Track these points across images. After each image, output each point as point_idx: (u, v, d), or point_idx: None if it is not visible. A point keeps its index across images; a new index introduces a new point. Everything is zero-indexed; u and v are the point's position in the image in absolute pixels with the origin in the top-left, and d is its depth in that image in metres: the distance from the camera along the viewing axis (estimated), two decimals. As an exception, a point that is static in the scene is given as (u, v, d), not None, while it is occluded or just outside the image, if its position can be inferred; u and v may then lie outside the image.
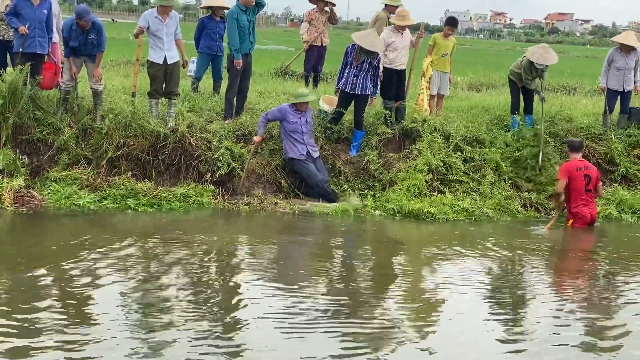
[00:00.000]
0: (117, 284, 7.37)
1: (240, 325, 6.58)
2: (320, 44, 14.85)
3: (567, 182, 10.81)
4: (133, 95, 11.79)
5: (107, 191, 10.47)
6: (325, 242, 9.72)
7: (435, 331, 6.81)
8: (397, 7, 13.37)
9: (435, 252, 9.25)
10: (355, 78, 11.53)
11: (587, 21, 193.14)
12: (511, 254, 9.27)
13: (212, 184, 11.04)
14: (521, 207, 11.43)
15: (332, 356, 6.06)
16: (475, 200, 11.20)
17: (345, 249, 9.58)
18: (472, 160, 11.90)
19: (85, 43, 10.88)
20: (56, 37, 11.72)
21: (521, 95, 13.03)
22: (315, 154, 11.32)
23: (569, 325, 7.08)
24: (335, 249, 9.47)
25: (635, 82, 13.36)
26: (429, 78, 12.91)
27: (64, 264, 7.82)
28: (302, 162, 11.20)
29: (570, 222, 10.86)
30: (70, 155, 10.97)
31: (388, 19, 13.79)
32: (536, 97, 12.86)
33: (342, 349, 6.24)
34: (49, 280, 7.37)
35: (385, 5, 13.94)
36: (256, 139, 11.37)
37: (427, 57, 13.02)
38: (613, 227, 11.23)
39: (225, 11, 13.10)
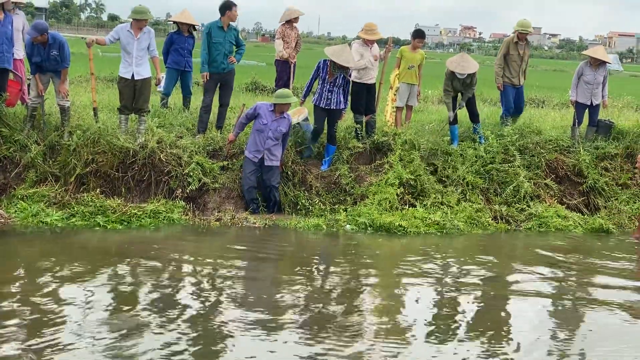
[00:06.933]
0: (86, 303, 7.29)
1: (211, 343, 6.53)
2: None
3: None
4: (95, 112, 11.69)
5: (76, 208, 10.33)
6: (296, 257, 9.65)
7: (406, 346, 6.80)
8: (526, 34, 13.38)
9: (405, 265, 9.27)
10: (329, 93, 11.54)
11: (554, 35, 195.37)
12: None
13: (182, 200, 10.96)
14: (492, 219, 11.48)
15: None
16: (446, 213, 11.22)
17: (317, 264, 9.54)
18: (443, 174, 11.97)
19: (47, 59, 10.78)
20: (20, 54, 11.62)
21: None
22: (269, 163, 11.09)
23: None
24: (306, 264, 9.41)
25: (603, 97, 13.48)
26: (396, 90, 12.98)
27: (30, 283, 7.73)
28: (248, 162, 11.13)
29: None
30: (38, 172, 10.84)
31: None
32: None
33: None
34: (15, 300, 7.26)
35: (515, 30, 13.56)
36: (230, 137, 11.47)
37: (394, 69, 13.09)
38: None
39: (197, 27, 13.26)
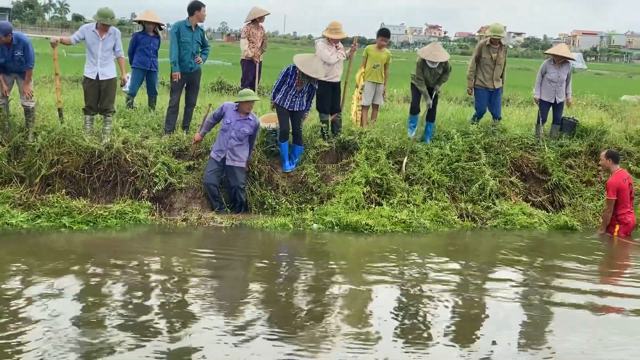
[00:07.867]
0: (52, 308, 7.22)
1: (178, 346, 6.52)
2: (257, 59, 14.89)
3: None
4: (59, 112, 11.61)
5: (41, 209, 10.24)
6: (263, 257, 9.65)
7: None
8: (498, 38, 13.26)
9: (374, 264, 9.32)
10: (294, 98, 11.54)
11: (519, 34, 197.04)
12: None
13: (148, 200, 10.91)
14: (458, 217, 11.57)
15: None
16: (412, 211, 11.29)
17: (282, 263, 9.55)
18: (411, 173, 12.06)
19: (12, 60, 10.70)
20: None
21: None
22: (230, 163, 11.08)
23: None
24: (273, 263, 9.42)
25: (567, 94, 13.61)
26: (361, 89, 13.06)
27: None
28: (212, 161, 11.17)
29: (616, 230, 11.45)
30: (2, 173, 10.75)
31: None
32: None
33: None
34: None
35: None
36: (196, 136, 11.50)
37: (360, 68, 13.16)
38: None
39: (162, 26, 13.23)
